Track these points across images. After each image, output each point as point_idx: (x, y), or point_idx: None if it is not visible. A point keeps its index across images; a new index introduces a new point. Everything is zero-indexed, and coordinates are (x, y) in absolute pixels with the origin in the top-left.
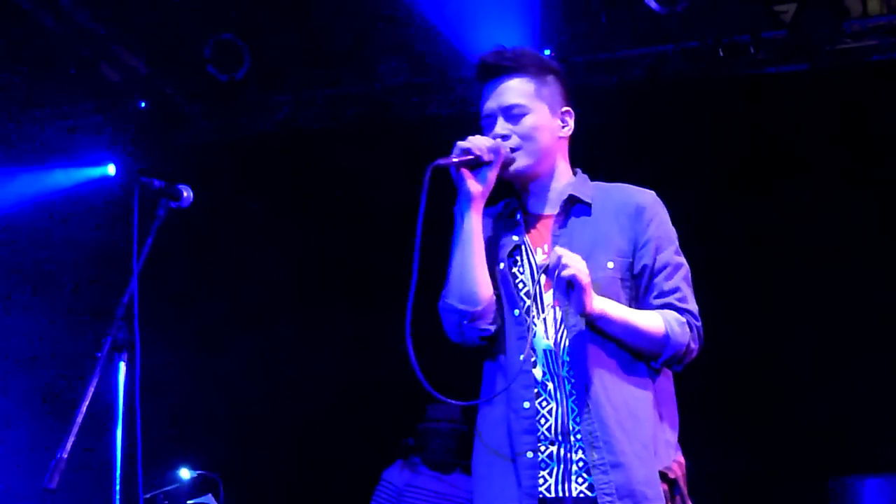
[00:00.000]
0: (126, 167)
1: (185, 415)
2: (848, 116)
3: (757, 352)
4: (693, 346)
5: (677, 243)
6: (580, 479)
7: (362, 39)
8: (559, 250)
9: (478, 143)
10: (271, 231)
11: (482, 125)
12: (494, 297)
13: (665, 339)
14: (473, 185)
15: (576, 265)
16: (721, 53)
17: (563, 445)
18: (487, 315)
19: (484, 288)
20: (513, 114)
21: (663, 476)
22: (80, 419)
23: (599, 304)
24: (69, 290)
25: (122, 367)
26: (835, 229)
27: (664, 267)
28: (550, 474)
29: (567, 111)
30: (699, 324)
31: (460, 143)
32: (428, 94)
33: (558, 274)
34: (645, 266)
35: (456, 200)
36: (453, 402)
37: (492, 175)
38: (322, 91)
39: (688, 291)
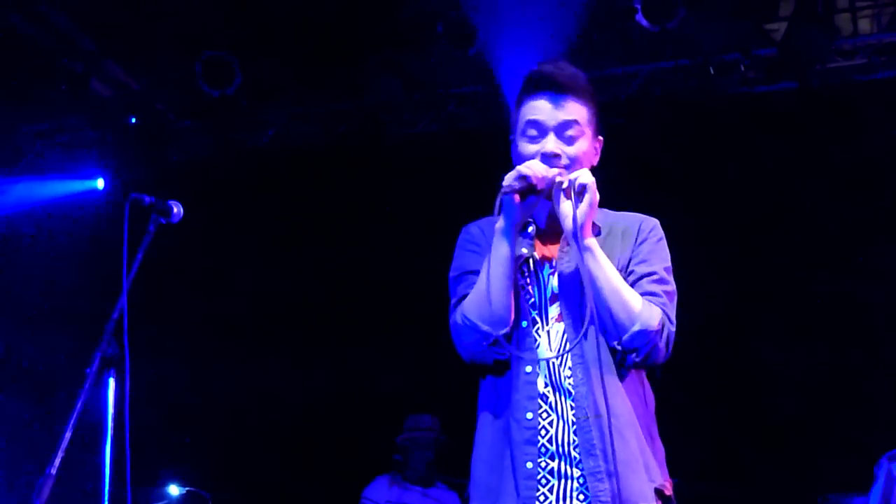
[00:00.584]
0: (116, 183)
1: (175, 431)
2: (837, 133)
3: (745, 367)
4: (661, 344)
5: (670, 265)
6: (581, 496)
7: (354, 56)
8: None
9: (538, 171)
10: (262, 246)
11: (521, 128)
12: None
13: (638, 315)
14: (519, 212)
15: (585, 175)
16: (712, 71)
17: (563, 459)
18: (509, 340)
19: (511, 313)
20: (567, 134)
21: (659, 493)
22: (69, 435)
23: (595, 243)
24: (57, 304)
25: (112, 382)
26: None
27: (652, 273)
28: (551, 491)
29: (601, 140)
30: (673, 330)
31: (522, 169)
32: (419, 111)
33: (574, 181)
34: (633, 271)
35: (500, 218)
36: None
37: (537, 202)
38: (313, 107)
39: (670, 304)
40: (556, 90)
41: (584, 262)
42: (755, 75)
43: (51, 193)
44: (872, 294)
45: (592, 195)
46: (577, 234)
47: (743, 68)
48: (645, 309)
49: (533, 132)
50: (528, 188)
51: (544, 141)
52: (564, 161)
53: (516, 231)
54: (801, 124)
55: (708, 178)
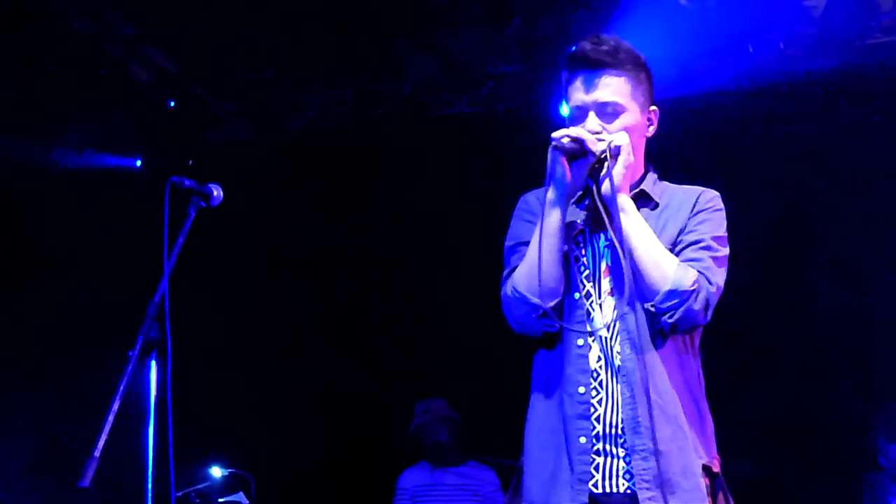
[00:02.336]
0: (156, 167)
1: (217, 413)
2: (875, 111)
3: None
4: (696, 306)
5: (723, 235)
6: (627, 476)
7: (391, 37)
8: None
9: (583, 134)
10: (301, 228)
11: (569, 115)
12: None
13: (670, 276)
14: (568, 179)
15: (621, 136)
16: (751, 49)
17: (608, 440)
18: (558, 311)
19: (560, 284)
20: (608, 112)
21: (707, 470)
22: (112, 417)
23: (629, 202)
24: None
25: (154, 365)
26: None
27: (699, 241)
28: (597, 470)
29: (654, 111)
30: (713, 291)
31: (569, 131)
32: (457, 91)
33: (609, 143)
34: (681, 241)
35: (549, 188)
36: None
37: (585, 169)
38: (351, 89)
39: (715, 268)
40: (590, 66)
41: (617, 221)
42: (794, 53)
43: (89, 164)
44: None
45: (627, 156)
46: (612, 195)
47: (783, 46)
48: (679, 270)
49: (577, 114)
50: (577, 150)
51: (585, 122)
52: (610, 139)
53: (567, 199)
54: (838, 102)
55: (745, 155)
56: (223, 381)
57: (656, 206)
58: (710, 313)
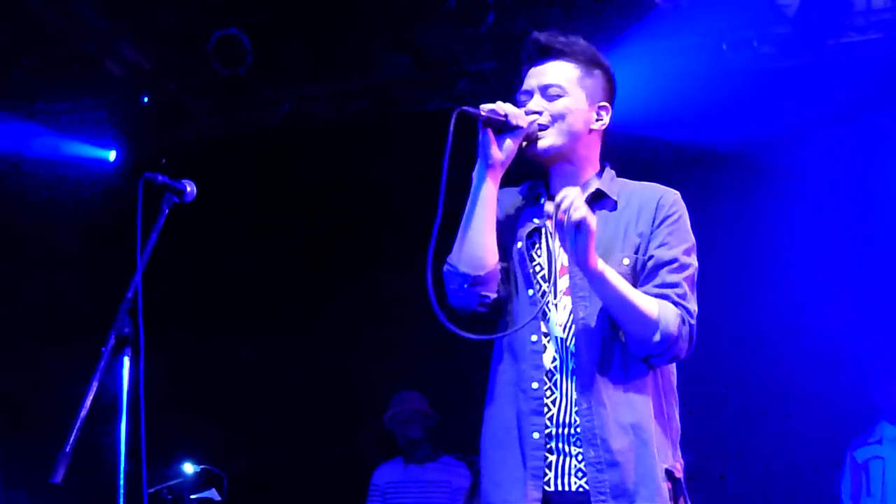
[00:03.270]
0: (128, 161)
1: (190, 409)
2: (849, 108)
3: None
4: (683, 343)
5: (691, 245)
6: (580, 474)
7: (364, 33)
8: (568, 191)
9: (507, 107)
10: (275, 226)
11: (517, 102)
12: (499, 267)
13: (656, 324)
14: (495, 151)
15: (586, 209)
16: (724, 48)
17: (562, 439)
18: (489, 282)
19: (490, 254)
20: (550, 93)
21: (669, 474)
22: (83, 413)
23: (601, 264)
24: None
25: (127, 361)
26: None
27: (672, 261)
28: (550, 468)
29: (604, 107)
30: (694, 323)
31: (488, 105)
32: (430, 88)
33: (569, 218)
34: (652, 255)
35: (476, 165)
36: (473, 336)
37: (514, 144)
38: (324, 86)
39: (689, 291)
40: (542, 56)
41: (594, 288)
42: (768, 51)
43: (62, 159)
44: None
45: (590, 226)
46: (581, 268)
47: (756, 45)
48: (662, 316)
49: (524, 98)
50: (502, 124)
51: (529, 102)
52: (546, 118)
53: (493, 173)
54: (815, 101)
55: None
56: (196, 377)
57: (615, 205)
58: (694, 343)
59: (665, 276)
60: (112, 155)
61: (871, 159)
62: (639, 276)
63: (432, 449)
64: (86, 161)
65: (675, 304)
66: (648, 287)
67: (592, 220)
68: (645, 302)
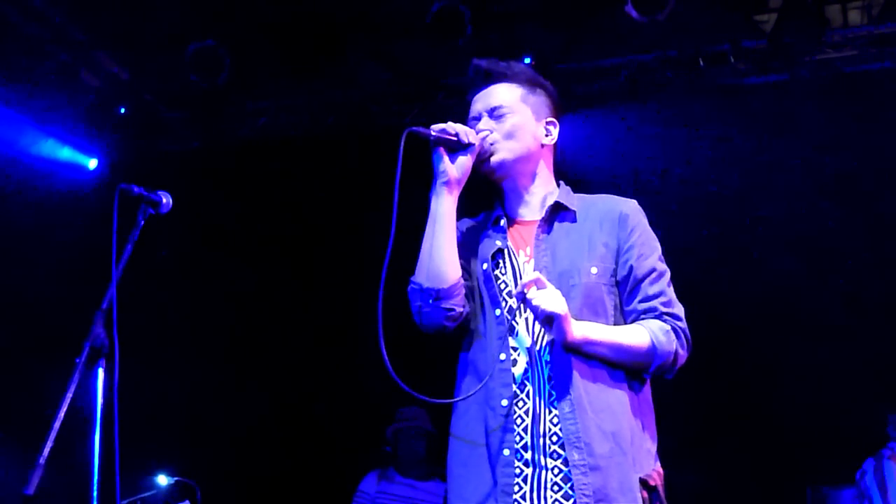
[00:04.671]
0: (106, 173)
1: (164, 421)
2: (826, 124)
3: (735, 358)
4: (681, 352)
5: (659, 249)
6: (556, 487)
7: (343, 46)
8: (534, 279)
9: (457, 126)
10: (251, 237)
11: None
12: (462, 281)
13: (652, 351)
14: (449, 167)
15: (549, 299)
16: (701, 63)
17: (539, 451)
18: (454, 295)
19: (451, 268)
20: (497, 114)
21: (644, 483)
22: (57, 425)
23: (580, 331)
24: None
25: (101, 373)
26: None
27: (650, 272)
28: (525, 481)
29: (552, 122)
30: (685, 326)
31: (438, 125)
32: (408, 101)
33: (537, 308)
34: (629, 271)
35: (431, 185)
36: (428, 399)
37: (467, 161)
38: (302, 98)
39: (672, 295)
40: (485, 81)
41: (584, 350)
42: (745, 67)
43: (38, 169)
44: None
45: (560, 314)
46: (564, 346)
47: (732, 59)
48: (655, 341)
49: (472, 123)
50: (454, 143)
51: (479, 124)
52: (496, 137)
53: (449, 189)
54: (790, 116)
55: (692, 168)
56: (170, 389)
57: (575, 216)
58: (690, 345)
59: (647, 289)
60: (93, 163)
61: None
62: (619, 291)
63: (429, 468)
64: (64, 169)
65: (663, 316)
66: (634, 304)
67: (560, 306)
68: (634, 336)
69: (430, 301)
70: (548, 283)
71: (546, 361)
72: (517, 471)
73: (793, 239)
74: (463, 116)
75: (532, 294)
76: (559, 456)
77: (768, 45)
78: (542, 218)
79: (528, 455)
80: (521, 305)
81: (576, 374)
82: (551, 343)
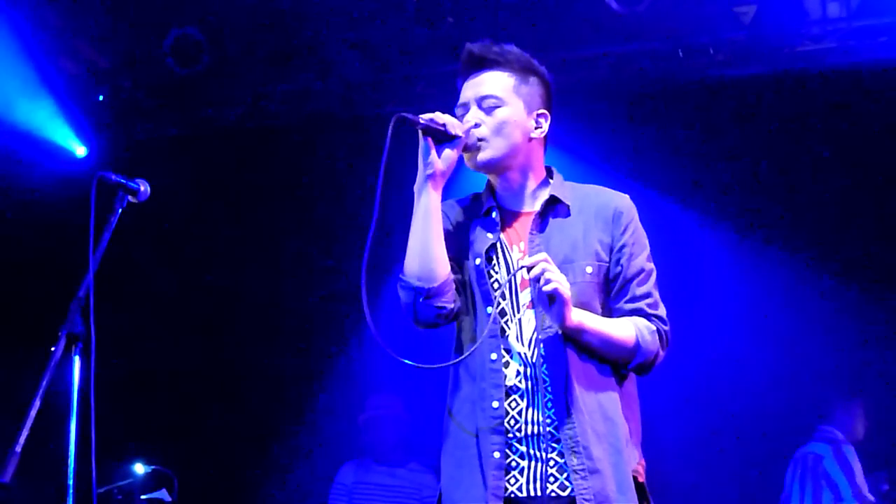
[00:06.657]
0: (84, 160)
1: (140, 410)
2: (807, 117)
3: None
4: (661, 353)
5: (648, 248)
6: (552, 479)
7: (321, 35)
8: (541, 259)
9: (445, 117)
10: (230, 225)
11: (454, 116)
12: (452, 276)
13: (636, 348)
14: (435, 160)
15: (557, 278)
16: (681, 54)
17: (534, 446)
18: (444, 293)
19: (441, 265)
20: (487, 105)
21: (633, 479)
22: (33, 413)
23: (577, 317)
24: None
25: (77, 361)
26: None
27: (638, 273)
28: (521, 473)
29: (543, 114)
30: (667, 328)
31: (427, 115)
32: (387, 91)
33: (540, 288)
34: (620, 270)
35: (417, 177)
36: (421, 364)
37: (454, 154)
38: (281, 86)
39: (657, 296)
40: (477, 67)
41: (575, 338)
42: (724, 59)
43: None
44: None
45: (564, 294)
46: (560, 328)
47: (712, 51)
48: (640, 338)
49: (461, 111)
50: (441, 134)
51: (467, 115)
52: (484, 131)
53: (435, 183)
54: (769, 108)
55: (676, 161)
56: (146, 376)
57: (569, 210)
58: (668, 344)
59: (635, 289)
60: (81, 150)
61: None
62: (608, 287)
63: (403, 453)
64: (47, 156)
65: (649, 316)
66: (622, 304)
67: (566, 288)
68: (622, 330)
69: (421, 299)
70: (552, 266)
71: (539, 361)
72: (513, 464)
73: (783, 234)
74: (444, 106)
75: (548, 267)
76: (556, 464)
77: (748, 37)
78: (537, 212)
79: (523, 449)
80: (516, 297)
81: (569, 374)
82: (544, 342)
